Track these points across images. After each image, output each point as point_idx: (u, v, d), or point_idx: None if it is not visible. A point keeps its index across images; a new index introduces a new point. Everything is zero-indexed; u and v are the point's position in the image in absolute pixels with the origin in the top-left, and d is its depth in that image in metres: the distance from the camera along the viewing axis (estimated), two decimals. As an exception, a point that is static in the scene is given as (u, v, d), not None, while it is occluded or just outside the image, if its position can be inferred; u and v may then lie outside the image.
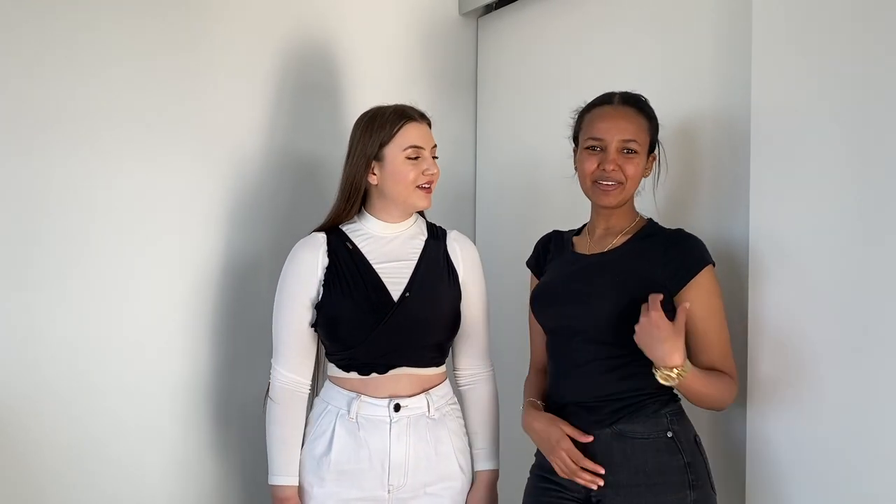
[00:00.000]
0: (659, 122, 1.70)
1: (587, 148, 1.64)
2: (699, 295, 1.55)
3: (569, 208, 2.09)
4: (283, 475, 1.76)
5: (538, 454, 1.69)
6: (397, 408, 1.74)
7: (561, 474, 1.59)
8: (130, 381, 2.00)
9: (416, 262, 1.79)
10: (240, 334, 2.15)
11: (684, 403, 1.61)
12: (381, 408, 1.74)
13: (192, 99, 2.08)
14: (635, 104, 1.66)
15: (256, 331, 2.08)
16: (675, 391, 1.58)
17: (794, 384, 1.58)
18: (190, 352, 2.09)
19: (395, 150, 1.76)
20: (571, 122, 1.74)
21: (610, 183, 1.61)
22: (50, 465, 1.90)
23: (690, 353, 1.58)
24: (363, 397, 1.75)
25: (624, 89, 1.68)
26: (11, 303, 1.86)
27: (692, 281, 1.55)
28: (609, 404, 1.57)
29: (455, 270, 1.83)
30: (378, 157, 1.77)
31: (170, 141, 2.05)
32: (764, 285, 1.64)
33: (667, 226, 1.70)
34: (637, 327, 1.49)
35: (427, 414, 1.76)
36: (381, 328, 1.72)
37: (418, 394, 1.76)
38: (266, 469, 1.79)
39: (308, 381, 1.81)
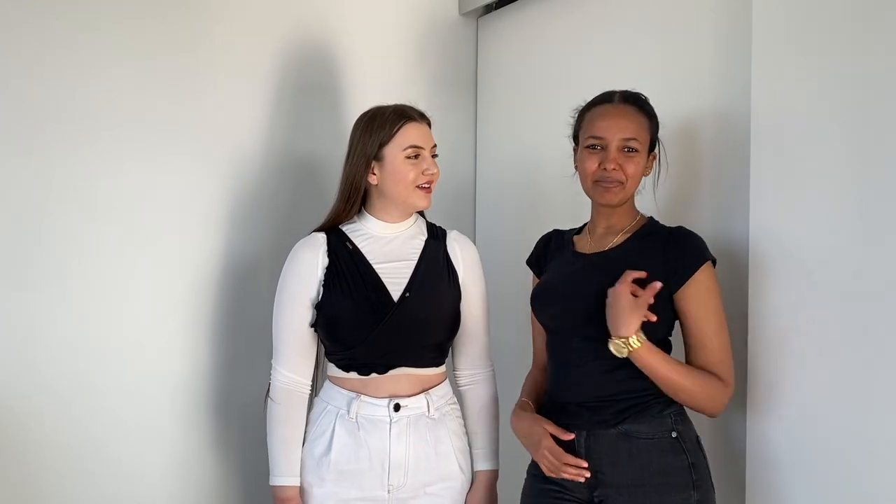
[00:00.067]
0: (659, 121, 1.69)
1: (588, 147, 1.64)
2: (697, 293, 1.55)
3: (569, 208, 2.09)
4: (285, 475, 1.76)
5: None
6: (397, 408, 1.74)
7: (547, 473, 1.60)
8: (130, 381, 2.01)
9: (416, 262, 1.79)
10: (240, 334, 2.15)
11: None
12: (381, 408, 1.74)
13: (192, 99, 2.09)
14: (635, 102, 1.66)
15: (256, 331, 2.08)
16: None
17: (794, 383, 1.58)
18: (190, 352, 2.09)
19: (395, 150, 1.76)
20: (572, 121, 1.74)
21: (611, 182, 1.61)
22: (50, 465, 1.90)
23: (687, 354, 1.58)
24: (363, 397, 1.75)
25: (624, 88, 1.68)
26: (11, 303, 1.86)
27: (691, 278, 1.55)
28: (613, 404, 1.57)
29: (455, 270, 1.83)
30: (378, 156, 1.77)
31: (170, 141, 2.06)
32: (764, 285, 1.64)
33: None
34: (606, 301, 1.52)
35: (427, 414, 1.76)
36: (380, 328, 1.72)
37: (418, 394, 1.76)
38: (266, 469, 1.79)
39: (308, 381, 1.81)
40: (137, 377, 2.01)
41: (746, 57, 1.71)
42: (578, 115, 1.72)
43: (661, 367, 1.51)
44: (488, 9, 2.57)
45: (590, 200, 1.71)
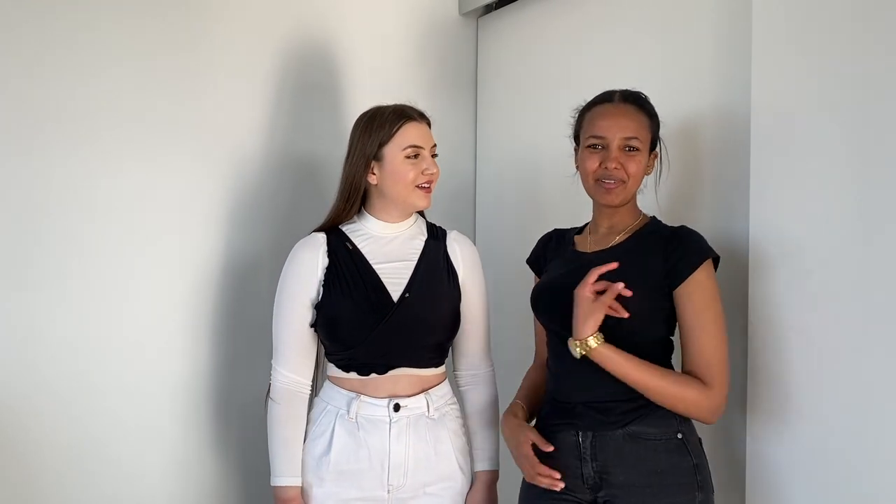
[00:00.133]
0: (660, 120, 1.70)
1: (588, 146, 1.64)
2: (693, 292, 1.54)
3: (569, 208, 2.09)
4: (286, 476, 1.75)
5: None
6: (397, 408, 1.74)
7: (527, 479, 1.62)
8: (130, 381, 2.01)
9: (415, 262, 1.79)
10: (240, 334, 2.15)
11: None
12: (381, 408, 1.74)
13: (192, 99, 2.09)
14: (636, 101, 1.65)
15: (256, 331, 2.08)
16: None
17: (794, 384, 1.58)
18: (190, 352, 2.09)
19: (395, 150, 1.76)
20: (572, 121, 1.74)
21: (612, 181, 1.61)
22: (50, 465, 1.90)
23: (682, 355, 1.58)
24: (363, 397, 1.75)
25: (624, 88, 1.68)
26: (11, 303, 1.86)
27: (690, 277, 1.54)
28: (620, 405, 1.56)
29: (455, 271, 1.83)
30: (377, 156, 1.77)
31: (170, 141, 2.06)
32: (764, 284, 1.64)
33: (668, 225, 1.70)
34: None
35: (427, 414, 1.76)
36: (380, 328, 1.72)
37: (418, 394, 1.76)
38: (266, 469, 1.79)
39: (308, 381, 1.81)
40: (137, 377, 2.01)
41: (746, 57, 1.71)
42: (579, 115, 1.72)
43: (621, 368, 1.52)
44: (488, 9, 2.57)
45: (590, 200, 1.70)
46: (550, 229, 1.86)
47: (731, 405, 1.74)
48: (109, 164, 1.97)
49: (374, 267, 1.77)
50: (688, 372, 1.54)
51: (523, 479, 1.70)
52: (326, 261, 1.78)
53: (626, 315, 1.51)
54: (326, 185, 2.12)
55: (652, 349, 1.57)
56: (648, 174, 1.69)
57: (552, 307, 1.67)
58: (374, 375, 1.75)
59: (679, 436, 1.55)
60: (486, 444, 1.85)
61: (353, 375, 1.76)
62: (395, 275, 1.77)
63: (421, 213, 1.90)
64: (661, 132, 1.71)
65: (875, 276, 1.46)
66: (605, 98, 1.67)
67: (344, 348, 1.75)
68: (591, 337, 1.51)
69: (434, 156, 1.81)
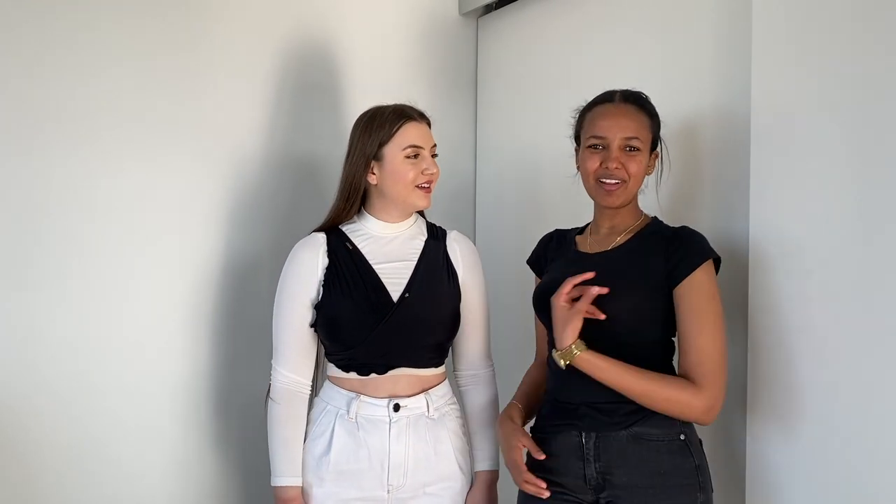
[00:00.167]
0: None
1: (589, 146, 1.64)
2: (690, 291, 1.53)
3: (569, 208, 2.09)
4: (286, 476, 1.75)
5: (529, 454, 1.68)
6: (397, 408, 1.74)
7: (516, 484, 1.65)
8: (130, 381, 2.01)
9: (415, 262, 1.79)
10: (240, 334, 2.15)
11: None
12: (381, 408, 1.74)
13: (192, 99, 2.09)
14: (636, 101, 1.65)
15: (256, 331, 2.08)
16: None
17: (794, 384, 1.58)
18: (190, 352, 2.09)
19: (395, 150, 1.76)
20: (572, 121, 1.74)
21: (613, 181, 1.60)
22: (50, 465, 1.90)
23: (679, 355, 1.58)
24: (362, 397, 1.75)
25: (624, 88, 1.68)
26: (11, 303, 1.86)
27: (689, 276, 1.53)
28: (623, 406, 1.55)
29: (455, 271, 1.83)
30: (377, 156, 1.77)
31: (170, 141, 2.06)
32: (764, 285, 1.64)
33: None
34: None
35: (426, 414, 1.76)
36: (380, 328, 1.72)
37: (418, 394, 1.76)
38: (267, 469, 1.79)
39: (308, 381, 1.81)
40: (137, 377, 2.01)
41: (746, 57, 1.71)
42: (579, 116, 1.71)
43: (607, 374, 1.52)
44: (488, 9, 2.57)
45: (590, 200, 1.70)
46: (550, 229, 1.85)
47: (731, 405, 1.74)
48: (109, 164, 1.97)
49: (374, 267, 1.77)
50: (682, 372, 1.54)
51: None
52: (326, 261, 1.78)
53: (602, 317, 1.52)
54: (326, 185, 2.12)
55: (652, 350, 1.57)
56: (649, 174, 1.69)
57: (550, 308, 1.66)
58: (373, 375, 1.75)
59: (682, 437, 1.55)
60: (486, 444, 1.85)
61: (352, 375, 1.76)
62: (395, 275, 1.77)
63: (421, 213, 1.90)
64: (662, 132, 1.70)
65: (875, 276, 1.46)
66: (606, 98, 1.67)
67: (344, 348, 1.75)
68: (573, 345, 1.52)
69: (434, 156, 1.81)
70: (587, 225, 1.77)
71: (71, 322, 1.93)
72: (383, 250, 1.80)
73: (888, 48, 1.44)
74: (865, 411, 1.47)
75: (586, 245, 1.70)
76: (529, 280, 1.87)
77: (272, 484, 1.76)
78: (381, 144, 1.76)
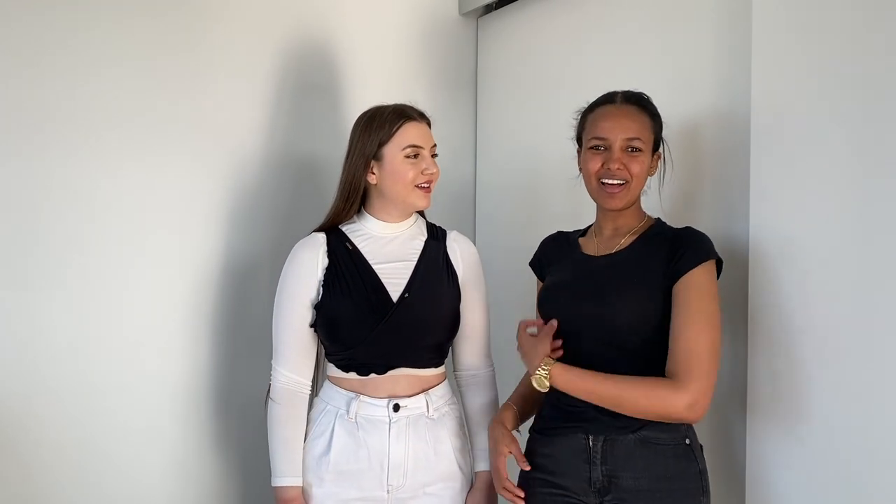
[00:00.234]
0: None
1: (591, 148, 1.63)
2: (687, 288, 1.52)
3: (569, 207, 2.09)
4: (287, 476, 1.75)
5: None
6: (396, 408, 1.74)
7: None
8: (130, 381, 2.00)
9: (415, 262, 1.79)
10: (240, 334, 2.15)
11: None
12: (381, 408, 1.74)
13: (191, 99, 2.08)
14: (638, 102, 1.64)
15: (256, 331, 2.08)
16: None
17: (795, 383, 1.58)
18: (190, 352, 2.09)
19: (394, 150, 1.75)
20: (574, 122, 1.73)
21: (615, 182, 1.60)
22: (50, 465, 1.90)
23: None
24: (362, 397, 1.74)
25: (626, 88, 1.68)
26: (11, 303, 1.86)
27: (688, 273, 1.52)
28: None
29: (454, 271, 1.83)
30: (377, 156, 1.77)
31: (170, 141, 2.05)
32: (764, 285, 1.64)
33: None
34: None
35: (426, 414, 1.76)
36: (380, 329, 1.72)
37: (417, 394, 1.76)
38: (267, 469, 1.78)
39: (308, 381, 1.81)
40: (137, 377, 2.01)
41: (746, 57, 1.71)
42: (581, 117, 1.71)
43: (583, 385, 1.53)
44: (488, 9, 2.57)
45: (591, 200, 1.70)
46: (550, 228, 1.85)
47: (731, 405, 1.74)
48: (109, 164, 1.97)
49: (374, 267, 1.77)
50: (668, 369, 1.51)
51: (518, 481, 1.69)
52: (326, 261, 1.78)
53: (560, 353, 1.61)
54: (326, 185, 2.12)
55: (654, 351, 1.56)
56: (652, 175, 1.68)
57: (559, 310, 1.65)
58: (373, 375, 1.75)
59: (686, 441, 1.55)
60: (486, 445, 1.85)
61: (352, 375, 1.76)
62: (395, 275, 1.77)
63: (421, 214, 1.90)
64: (662, 132, 1.70)
65: (875, 276, 1.45)
66: (608, 99, 1.66)
67: (343, 348, 1.75)
68: (541, 364, 1.56)
69: (434, 156, 1.81)
70: (589, 227, 1.76)
71: (71, 322, 1.93)
72: (383, 250, 1.80)
73: (888, 48, 1.44)
74: (866, 411, 1.47)
75: (590, 247, 1.70)
76: (529, 280, 1.87)
77: (272, 484, 1.76)
78: (381, 144, 1.76)
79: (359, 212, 1.84)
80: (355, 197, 1.81)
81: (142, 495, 2.02)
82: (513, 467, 1.72)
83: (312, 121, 2.29)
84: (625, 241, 1.65)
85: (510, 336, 2.25)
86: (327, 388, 1.81)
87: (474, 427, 1.86)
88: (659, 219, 1.70)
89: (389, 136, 1.75)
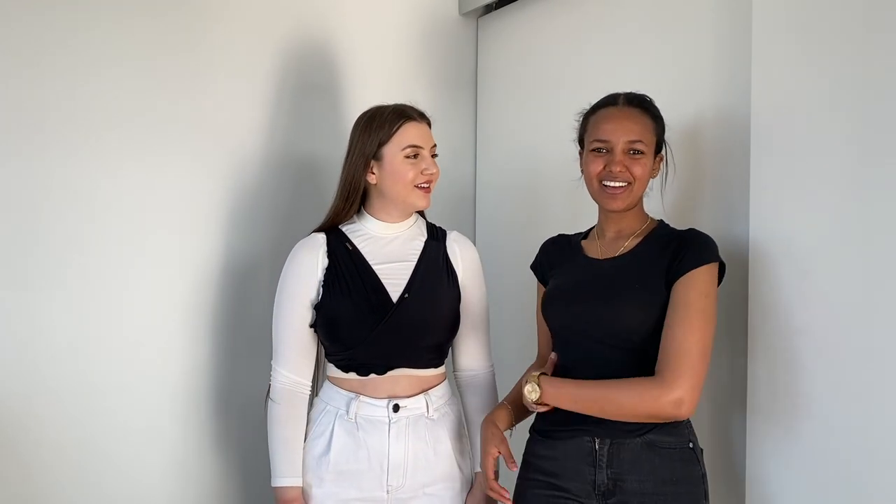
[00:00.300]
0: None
1: (593, 150, 1.62)
2: (686, 288, 1.50)
3: (569, 207, 2.09)
4: (287, 476, 1.75)
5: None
6: (396, 408, 1.74)
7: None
8: (130, 381, 2.01)
9: (415, 263, 1.79)
10: (240, 334, 2.15)
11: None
12: (380, 408, 1.74)
13: (192, 99, 2.09)
14: (640, 104, 1.64)
15: (256, 331, 2.08)
16: None
17: (794, 384, 1.58)
18: (190, 352, 2.09)
19: (394, 150, 1.75)
20: (576, 124, 1.72)
21: (617, 185, 1.59)
22: (50, 465, 1.90)
23: None
24: (362, 398, 1.74)
25: (625, 90, 1.67)
26: (11, 303, 1.86)
27: (688, 273, 1.51)
28: None
29: (454, 271, 1.83)
30: (377, 156, 1.77)
31: (170, 141, 2.06)
32: (764, 284, 1.64)
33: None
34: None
35: (426, 414, 1.76)
36: (380, 329, 1.72)
37: (417, 394, 1.76)
38: (266, 469, 1.78)
39: (308, 382, 1.81)
40: (137, 377, 2.01)
41: (746, 57, 1.71)
42: (583, 119, 1.70)
43: (565, 394, 1.54)
44: (488, 9, 2.57)
45: (590, 200, 1.69)
46: (550, 229, 1.85)
47: (731, 406, 1.75)
48: (109, 164, 1.97)
49: (374, 267, 1.77)
50: (657, 365, 1.49)
51: (517, 482, 1.69)
52: (326, 261, 1.78)
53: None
54: (326, 185, 2.12)
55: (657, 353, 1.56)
56: (654, 177, 1.68)
57: (564, 314, 1.64)
58: (373, 376, 1.75)
59: (690, 444, 1.55)
60: (484, 444, 1.85)
61: (352, 376, 1.76)
62: (395, 275, 1.77)
63: (421, 214, 1.90)
64: (664, 134, 1.70)
65: (875, 276, 1.45)
66: (610, 101, 1.65)
67: (343, 349, 1.75)
68: (527, 386, 1.57)
69: (434, 156, 1.81)
70: (591, 229, 1.76)
71: (71, 322, 1.93)
72: (383, 251, 1.80)
73: (888, 48, 1.44)
74: (865, 411, 1.47)
75: (594, 250, 1.69)
76: (529, 281, 1.87)
77: (272, 484, 1.76)
78: (381, 144, 1.76)
79: (359, 212, 1.84)
80: (355, 197, 1.81)
81: (142, 495, 2.02)
82: (514, 473, 1.72)
83: (312, 121, 2.29)
84: (629, 244, 1.64)
85: (510, 336, 2.26)
86: (327, 389, 1.81)
87: (474, 428, 1.86)
88: (662, 220, 1.70)
89: (389, 136, 1.75)
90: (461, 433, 1.84)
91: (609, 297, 1.57)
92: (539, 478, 1.63)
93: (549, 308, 1.69)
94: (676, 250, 1.56)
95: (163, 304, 2.05)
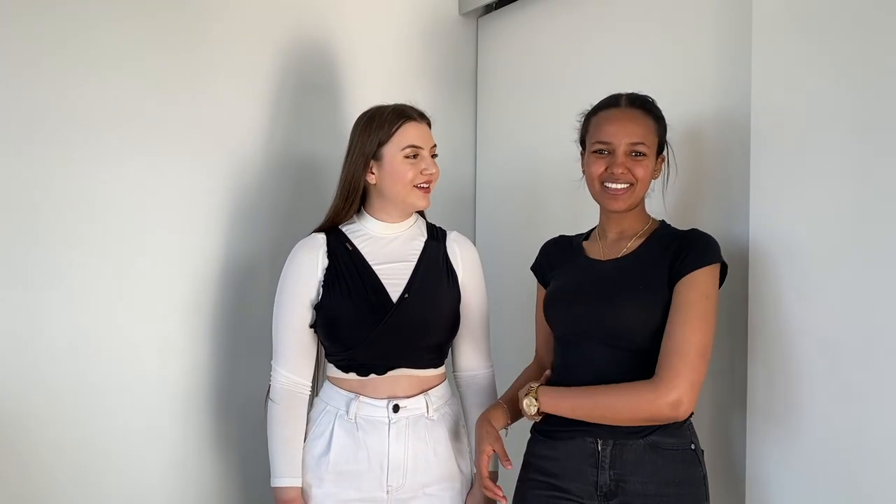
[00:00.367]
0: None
1: (595, 151, 1.62)
2: (687, 288, 1.50)
3: (569, 207, 2.09)
4: (287, 476, 1.75)
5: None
6: (396, 408, 1.74)
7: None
8: (130, 381, 2.01)
9: (415, 263, 1.79)
10: (240, 334, 2.15)
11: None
12: (380, 408, 1.74)
13: (191, 99, 2.09)
14: (642, 106, 1.63)
15: (256, 331, 2.08)
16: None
17: (794, 384, 1.58)
18: (190, 352, 2.09)
19: (394, 150, 1.75)
20: (577, 124, 1.72)
21: (619, 186, 1.59)
22: (50, 465, 1.90)
23: None
24: (362, 398, 1.74)
25: (625, 90, 1.67)
26: (11, 303, 1.86)
27: (691, 274, 1.51)
28: None
29: (454, 272, 1.83)
30: (376, 156, 1.77)
31: (170, 141, 2.05)
32: (764, 284, 1.64)
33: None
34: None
35: (426, 415, 1.76)
36: (379, 329, 1.72)
37: (417, 395, 1.76)
38: (266, 469, 1.78)
39: (308, 382, 1.81)
40: (137, 377, 2.01)
41: (746, 57, 1.71)
42: (585, 119, 1.69)
43: (562, 402, 1.55)
44: (488, 9, 2.57)
45: (591, 200, 1.69)
46: (550, 229, 1.85)
47: (731, 406, 1.74)
48: (109, 164, 1.97)
49: (374, 267, 1.77)
50: (656, 368, 1.49)
51: (518, 483, 1.69)
52: (326, 261, 1.78)
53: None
54: (326, 185, 2.12)
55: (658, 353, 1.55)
56: (656, 178, 1.67)
57: (566, 315, 1.64)
58: (373, 376, 1.75)
59: (692, 446, 1.55)
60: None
61: (352, 376, 1.76)
62: (395, 275, 1.77)
63: (421, 214, 1.90)
64: (666, 135, 1.69)
65: (875, 276, 1.45)
66: (612, 102, 1.65)
67: (343, 349, 1.75)
68: (525, 399, 1.58)
69: (434, 156, 1.81)
70: (591, 230, 1.75)
71: (71, 322, 1.93)
72: (383, 251, 1.79)
73: (888, 49, 1.44)
74: (865, 412, 1.47)
75: (596, 251, 1.68)
76: (529, 281, 1.87)
77: (272, 485, 1.76)
78: (381, 144, 1.76)
79: (358, 212, 1.84)
80: (355, 197, 1.81)
81: (142, 495, 2.02)
82: (514, 473, 1.72)
83: (312, 121, 2.29)
84: (631, 245, 1.64)
85: (510, 336, 2.26)
86: (327, 389, 1.81)
87: (473, 428, 1.86)
88: (664, 221, 1.69)
89: (389, 136, 1.75)
90: (461, 433, 1.84)
91: (611, 299, 1.57)
92: (539, 478, 1.63)
93: (551, 309, 1.68)
94: (678, 251, 1.56)
95: (162, 304, 2.05)
